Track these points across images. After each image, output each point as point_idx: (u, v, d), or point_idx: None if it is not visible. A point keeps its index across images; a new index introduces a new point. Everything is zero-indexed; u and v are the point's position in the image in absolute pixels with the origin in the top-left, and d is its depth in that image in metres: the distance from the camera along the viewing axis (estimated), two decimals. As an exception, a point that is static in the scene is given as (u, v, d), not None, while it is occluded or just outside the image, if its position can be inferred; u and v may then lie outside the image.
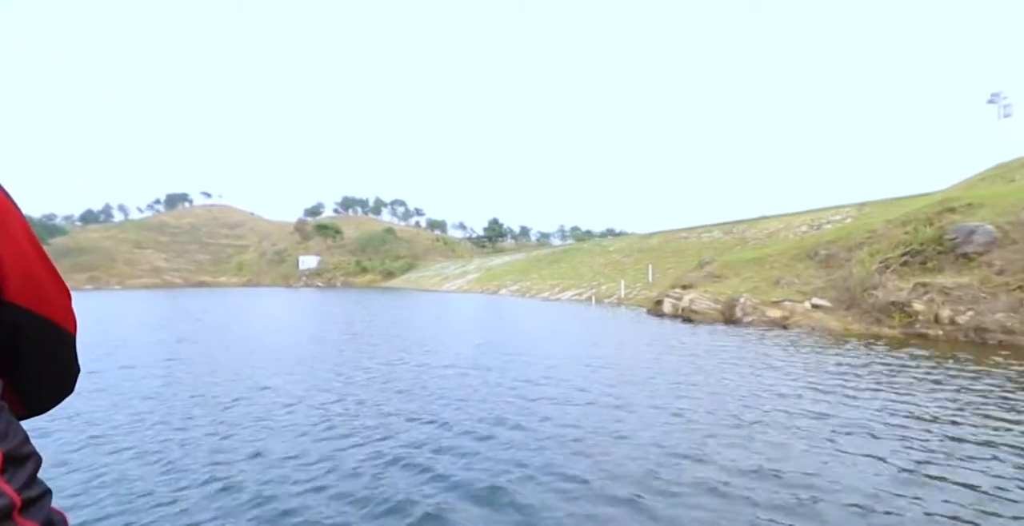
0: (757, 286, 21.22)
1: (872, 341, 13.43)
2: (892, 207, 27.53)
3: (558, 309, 30.89)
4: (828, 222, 31.52)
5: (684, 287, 25.28)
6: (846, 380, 9.01)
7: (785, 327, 16.76)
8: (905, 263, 16.65)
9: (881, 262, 17.11)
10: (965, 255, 15.28)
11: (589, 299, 37.11)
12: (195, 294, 63.89)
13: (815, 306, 17.18)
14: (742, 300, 19.43)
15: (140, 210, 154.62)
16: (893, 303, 15.08)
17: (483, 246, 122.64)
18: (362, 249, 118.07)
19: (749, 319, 18.27)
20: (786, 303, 17.99)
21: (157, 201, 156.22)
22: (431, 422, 7.01)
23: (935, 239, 16.53)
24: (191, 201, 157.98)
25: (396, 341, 16.07)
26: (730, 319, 19.17)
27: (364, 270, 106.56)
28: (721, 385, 8.94)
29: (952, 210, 17.73)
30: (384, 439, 6.31)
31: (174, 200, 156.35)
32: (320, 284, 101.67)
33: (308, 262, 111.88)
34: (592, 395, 8.37)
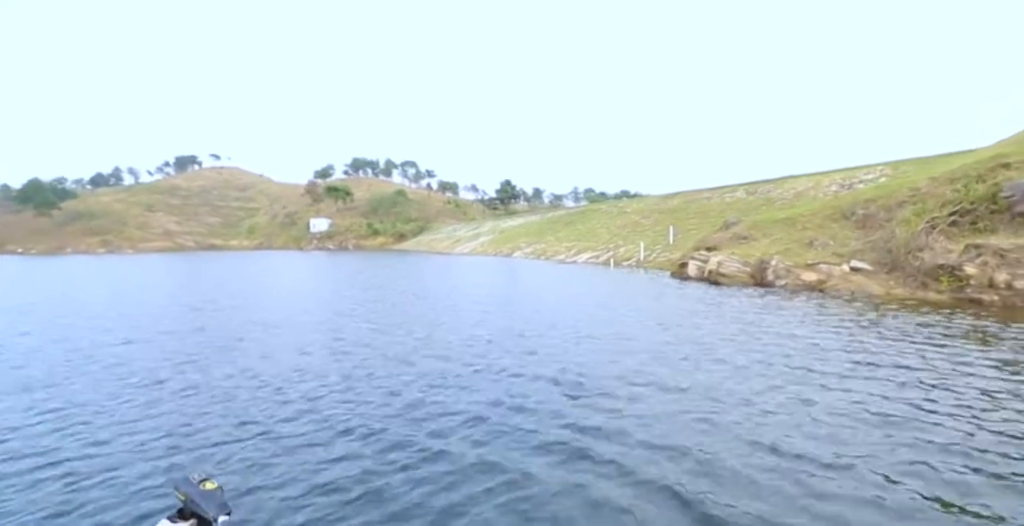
0: (789, 248, 20.32)
1: (919, 307, 12.65)
2: (930, 165, 26.07)
3: (576, 272, 30.23)
4: (860, 181, 30.13)
5: (709, 249, 24.41)
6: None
7: (822, 291, 15.98)
8: (954, 223, 15.64)
9: (927, 222, 16.08)
10: (1022, 214, 14.26)
11: (607, 262, 36.35)
12: (210, 257, 63.95)
13: (854, 269, 16.31)
14: (774, 263, 18.59)
15: (150, 173, 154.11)
16: (941, 266, 14.19)
17: (495, 208, 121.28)
18: (373, 211, 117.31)
19: (782, 283, 17.49)
20: (822, 266, 17.13)
21: (167, 164, 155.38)
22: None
23: (988, 197, 15.45)
24: (200, 163, 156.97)
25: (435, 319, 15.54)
26: (761, 282, 18.39)
27: (376, 233, 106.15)
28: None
29: (1007, 166, 16.53)
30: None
31: (184, 162, 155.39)
32: (332, 247, 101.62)
33: (319, 225, 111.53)
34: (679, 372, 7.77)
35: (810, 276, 16.90)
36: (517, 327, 11.26)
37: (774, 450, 4.77)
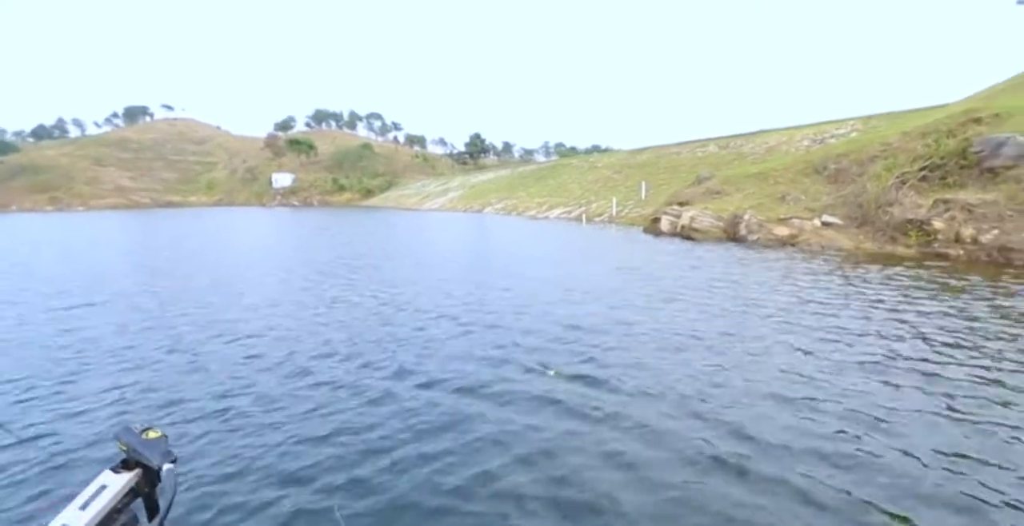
0: (761, 203, 20.35)
1: (887, 261, 12.85)
2: (901, 120, 26.23)
3: (549, 228, 29.98)
4: (832, 136, 30.19)
5: (681, 204, 24.34)
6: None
7: (793, 245, 16.12)
8: (924, 178, 15.79)
9: (897, 177, 16.19)
10: (991, 170, 14.42)
11: (579, 217, 36.16)
12: (167, 215, 61.40)
13: (825, 224, 16.46)
14: (746, 217, 18.62)
15: (97, 125, 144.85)
16: (910, 221, 14.38)
17: (465, 163, 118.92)
18: (338, 166, 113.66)
19: (754, 237, 17.58)
20: (794, 221, 17.23)
21: (115, 115, 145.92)
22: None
23: (958, 152, 15.56)
24: (152, 115, 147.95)
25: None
26: (733, 237, 18.47)
27: (341, 188, 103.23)
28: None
29: (977, 121, 16.64)
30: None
31: (133, 113, 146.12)
32: (296, 203, 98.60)
33: (282, 180, 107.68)
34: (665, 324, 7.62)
35: (782, 230, 17.01)
36: (501, 284, 10.99)
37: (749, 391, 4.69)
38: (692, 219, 20.43)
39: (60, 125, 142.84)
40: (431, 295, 10.07)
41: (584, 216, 35.76)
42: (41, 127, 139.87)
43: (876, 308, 8.14)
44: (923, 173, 15.87)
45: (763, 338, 6.78)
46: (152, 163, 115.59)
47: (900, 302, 8.47)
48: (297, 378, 5.63)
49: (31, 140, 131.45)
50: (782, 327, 7.27)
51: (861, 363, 5.76)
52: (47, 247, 22.48)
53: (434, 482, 3.60)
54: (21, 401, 5.14)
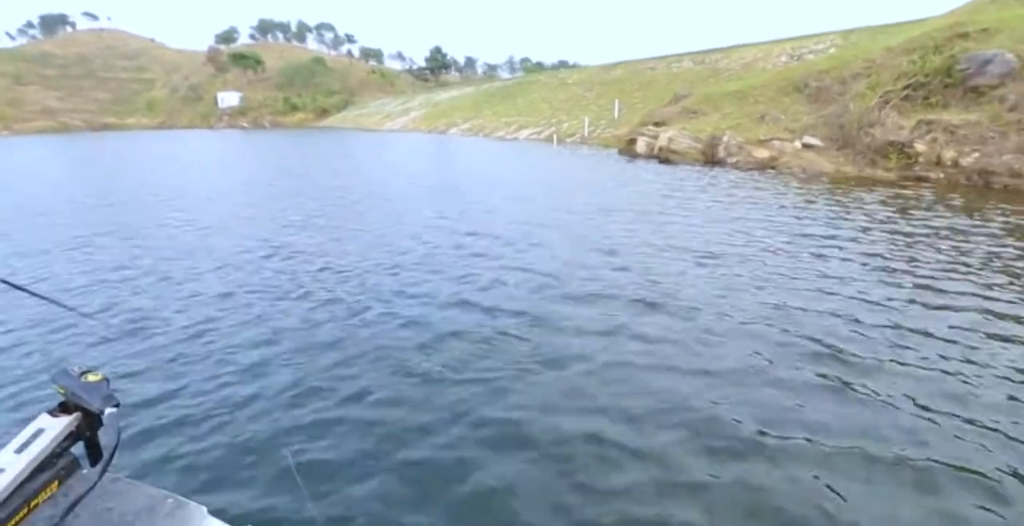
0: (740, 123, 19.89)
1: (866, 184, 12.83)
2: (884, 35, 25.42)
3: (520, 150, 28.96)
4: (810, 51, 29.25)
5: (657, 124, 23.66)
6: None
7: (774, 168, 15.93)
8: (907, 98, 15.48)
9: (881, 97, 15.85)
10: (975, 89, 14.19)
11: (549, 138, 35.00)
12: (104, 139, 56.90)
13: (806, 146, 16.22)
14: (725, 139, 18.21)
15: (11, 36, 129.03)
16: (892, 143, 14.25)
17: (426, 80, 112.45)
18: (289, 83, 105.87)
19: (734, 160, 17.28)
20: (774, 142, 16.92)
21: (30, 25, 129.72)
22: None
23: (943, 70, 15.19)
24: (73, 25, 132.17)
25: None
26: (712, 160, 18.13)
27: (294, 108, 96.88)
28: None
29: (964, 36, 16.14)
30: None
31: (51, 23, 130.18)
32: (246, 125, 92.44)
33: (229, 99, 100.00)
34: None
35: (762, 153, 16.73)
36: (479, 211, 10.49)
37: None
38: (670, 140, 19.89)
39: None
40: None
41: (555, 137, 34.60)
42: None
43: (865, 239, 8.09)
44: (906, 92, 15.55)
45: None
46: (81, 81, 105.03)
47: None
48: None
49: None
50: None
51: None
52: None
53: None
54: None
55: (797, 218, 9.49)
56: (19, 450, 1.38)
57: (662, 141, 20.31)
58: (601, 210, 10.67)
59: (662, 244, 7.89)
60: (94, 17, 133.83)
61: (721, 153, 17.95)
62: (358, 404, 3.80)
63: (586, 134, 32.74)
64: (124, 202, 13.03)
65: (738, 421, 3.49)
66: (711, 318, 5.16)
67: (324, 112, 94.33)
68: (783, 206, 10.59)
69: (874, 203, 10.57)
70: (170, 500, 1.51)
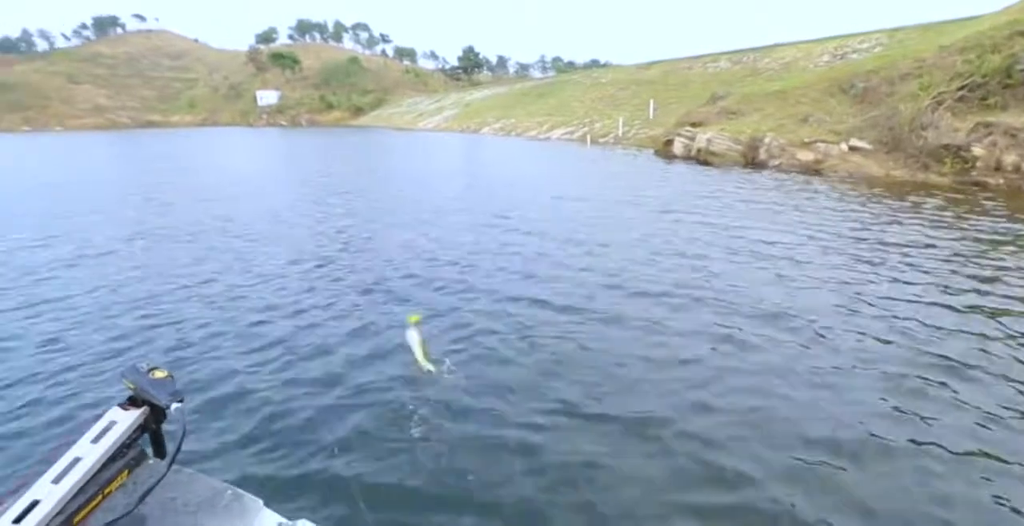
0: (782, 124, 19.44)
1: (920, 190, 12.37)
2: (933, 33, 24.50)
3: (553, 150, 28.90)
4: (854, 51, 28.39)
5: (695, 125, 23.28)
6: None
7: (818, 171, 15.51)
8: (962, 99, 14.90)
9: (933, 98, 15.28)
10: (1037, 89, 13.56)
11: (582, 138, 34.80)
12: (152, 136, 58.94)
13: (853, 148, 15.74)
14: (767, 140, 17.83)
15: (66, 38, 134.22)
16: (946, 146, 13.72)
17: (458, 79, 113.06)
18: (325, 82, 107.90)
19: (776, 162, 16.91)
20: (819, 145, 16.48)
21: (84, 26, 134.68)
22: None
23: (1002, 70, 14.57)
24: (123, 26, 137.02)
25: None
26: (752, 162, 17.77)
27: (330, 106, 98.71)
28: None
29: (1025, 34, 15.43)
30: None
31: (103, 25, 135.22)
32: (284, 123, 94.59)
33: (268, 98, 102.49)
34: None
35: (806, 155, 16.31)
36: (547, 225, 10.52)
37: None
38: (709, 142, 19.55)
39: (26, 38, 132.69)
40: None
41: (588, 137, 34.40)
42: (7, 40, 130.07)
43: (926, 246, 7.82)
44: (961, 93, 14.96)
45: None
46: (128, 80, 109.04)
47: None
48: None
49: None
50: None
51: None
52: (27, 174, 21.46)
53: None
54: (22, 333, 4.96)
55: (863, 224, 9.16)
56: (95, 440, 1.47)
57: (700, 142, 19.99)
58: (661, 212, 10.56)
59: (738, 249, 7.78)
60: (142, 18, 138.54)
61: (763, 155, 17.58)
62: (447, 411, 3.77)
63: (620, 134, 32.45)
64: (221, 198, 13.47)
65: (849, 426, 3.51)
66: (819, 329, 5.08)
67: (359, 110, 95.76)
68: (845, 211, 10.27)
69: (931, 209, 10.20)
70: (229, 492, 1.60)
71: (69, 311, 5.75)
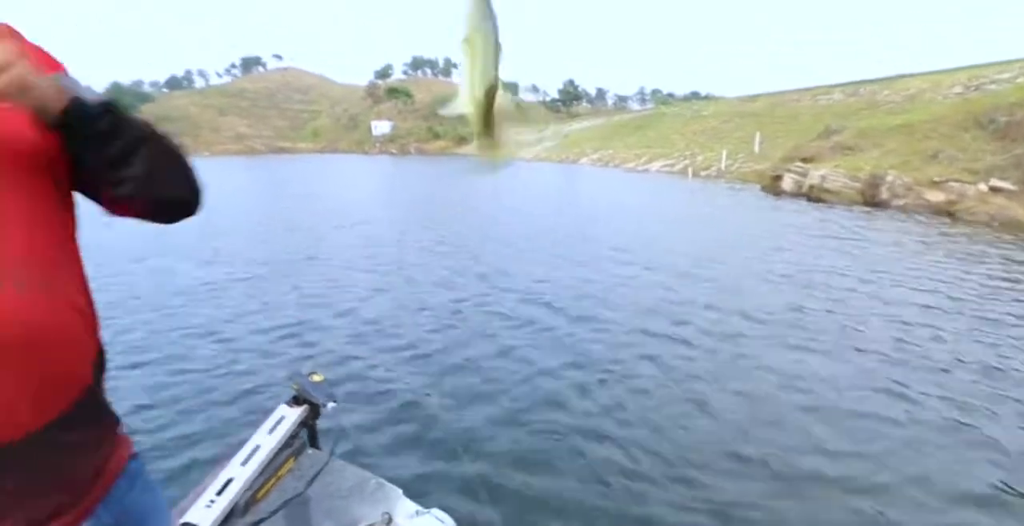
0: (906, 161, 18.27)
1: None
2: (1093, 61, 22.10)
3: (654, 184, 28.83)
4: (992, 82, 26.10)
5: (805, 160, 22.38)
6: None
7: (951, 214, 14.40)
8: None
9: (1092, 135, 13.81)
10: None
11: (683, 171, 34.38)
12: (287, 162, 65.35)
13: (994, 189, 14.48)
14: (889, 178, 16.84)
15: (219, 75, 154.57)
16: (1107, 188, 12.33)
17: (557, 111, 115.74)
18: (434, 114, 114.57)
19: (900, 202, 15.90)
20: (952, 184, 15.32)
21: (233, 65, 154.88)
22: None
23: None
24: (264, 65, 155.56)
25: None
26: (872, 201, 16.80)
27: (436, 136, 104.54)
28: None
29: None
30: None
31: (249, 64, 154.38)
32: (394, 151, 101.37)
33: (381, 127, 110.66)
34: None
35: (936, 196, 15.22)
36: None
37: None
38: (823, 178, 18.77)
39: (188, 76, 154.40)
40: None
41: (690, 170, 33.96)
42: (174, 78, 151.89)
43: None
44: None
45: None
46: (266, 111, 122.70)
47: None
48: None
49: (165, 90, 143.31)
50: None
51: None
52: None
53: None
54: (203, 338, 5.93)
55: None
56: (270, 431, 1.73)
57: (813, 179, 19.23)
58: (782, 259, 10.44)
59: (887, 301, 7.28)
60: (280, 57, 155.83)
61: (884, 194, 16.61)
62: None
63: (723, 167, 31.77)
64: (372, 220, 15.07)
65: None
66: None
67: (462, 140, 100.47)
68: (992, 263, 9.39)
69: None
70: (373, 481, 1.80)
71: (243, 324, 6.49)
